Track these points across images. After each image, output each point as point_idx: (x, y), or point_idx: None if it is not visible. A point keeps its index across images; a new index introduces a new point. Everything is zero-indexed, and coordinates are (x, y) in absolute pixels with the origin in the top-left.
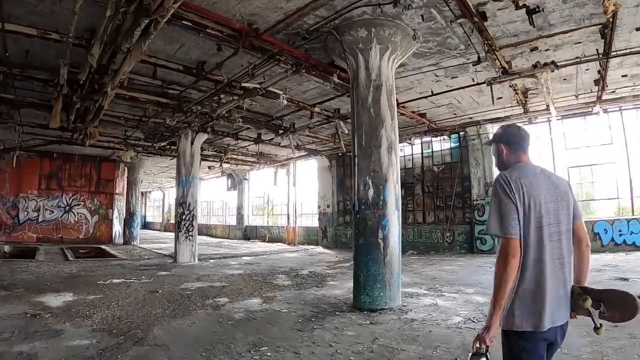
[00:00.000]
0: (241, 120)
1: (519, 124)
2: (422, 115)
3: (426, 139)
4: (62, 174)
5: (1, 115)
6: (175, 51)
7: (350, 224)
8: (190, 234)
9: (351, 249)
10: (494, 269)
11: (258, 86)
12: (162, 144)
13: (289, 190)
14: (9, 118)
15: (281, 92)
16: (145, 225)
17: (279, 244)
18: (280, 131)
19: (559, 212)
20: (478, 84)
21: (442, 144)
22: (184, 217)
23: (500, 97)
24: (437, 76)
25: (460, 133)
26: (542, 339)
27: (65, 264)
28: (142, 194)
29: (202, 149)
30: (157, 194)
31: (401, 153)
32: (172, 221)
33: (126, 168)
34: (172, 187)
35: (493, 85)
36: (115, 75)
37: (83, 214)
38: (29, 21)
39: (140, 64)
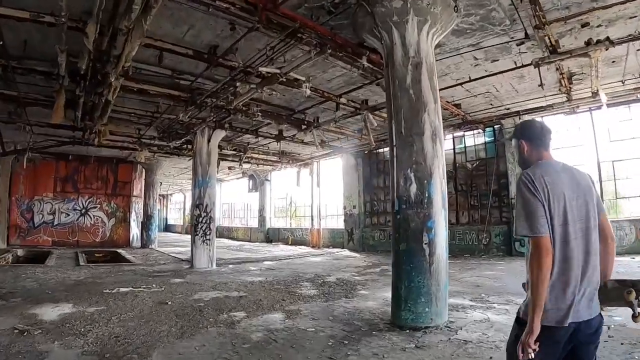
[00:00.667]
0: (260, 114)
1: (539, 119)
2: (457, 105)
3: (458, 133)
4: (77, 176)
5: (9, 115)
6: (184, 34)
7: (378, 225)
8: (208, 237)
9: (379, 252)
10: (528, 270)
11: (278, 71)
12: (178, 143)
13: (313, 190)
14: (18, 118)
15: (304, 79)
16: (167, 228)
17: (302, 247)
18: (303, 126)
19: (583, 208)
20: (523, 65)
21: (475, 139)
22: (200, 219)
23: (542, 84)
24: (477, 59)
25: (496, 126)
26: (561, 335)
27: (74, 270)
28: (163, 196)
29: (220, 147)
30: (178, 196)
31: None
32: None
33: (144, 170)
34: None
35: (539, 68)
36: (117, 62)
37: (99, 217)
38: (21, 5)
39: (147, 51)
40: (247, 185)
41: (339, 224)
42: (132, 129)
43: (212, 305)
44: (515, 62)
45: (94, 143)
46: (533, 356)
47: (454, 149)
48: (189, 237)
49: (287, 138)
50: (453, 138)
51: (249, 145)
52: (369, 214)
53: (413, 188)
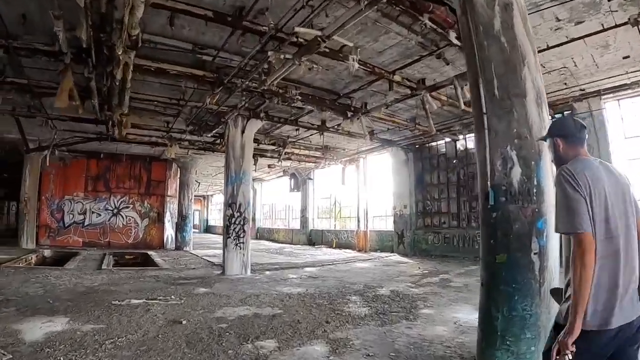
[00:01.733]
0: (300, 98)
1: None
2: None
3: None
4: (109, 175)
5: (29, 109)
6: None
7: (431, 227)
8: (241, 240)
9: (433, 257)
10: (572, 268)
11: (318, 33)
12: (209, 136)
13: (359, 189)
14: (37, 111)
15: (351, 45)
16: (208, 229)
17: (347, 250)
18: (349, 113)
19: (622, 205)
20: (616, 25)
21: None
22: (233, 220)
23: (627, 57)
24: (559, 20)
25: (566, 112)
26: (606, 338)
27: (93, 274)
28: (204, 197)
29: (257, 141)
30: (219, 197)
31: None
32: None
33: (179, 168)
34: None
35: (638, 26)
36: (122, 28)
37: (132, 217)
38: None
39: (159, 19)
40: (288, 185)
41: (388, 225)
42: (159, 122)
43: (236, 328)
44: (602, 25)
45: (119, 138)
46: (570, 358)
47: None
48: None
49: (331, 129)
50: None
51: (289, 139)
52: (421, 215)
53: (516, 172)
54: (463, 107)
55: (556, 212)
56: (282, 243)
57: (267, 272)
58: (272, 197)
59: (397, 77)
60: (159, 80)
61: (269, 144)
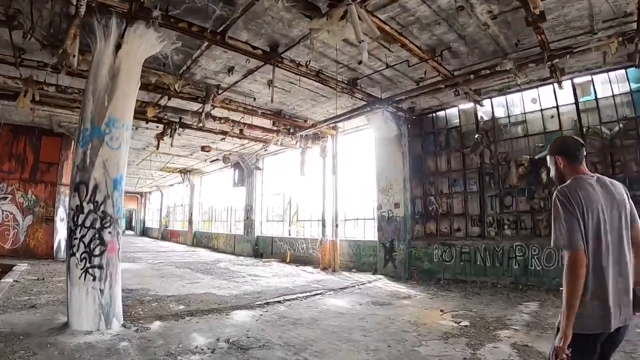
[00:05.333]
0: None
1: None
2: None
3: (581, 78)
4: None
5: None
6: None
7: (438, 236)
8: (96, 262)
9: (445, 284)
10: (564, 280)
11: None
12: (80, 68)
13: (325, 180)
14: None
15: None
16: (145, 232)
17: (307, 268)
18: (324, 2)
19: (616, 220)
20: None
21: (613, 87)
22: (80, 218)
23: None
24: None
25: None
26: (597, 342)
27: None
28: (141, 194)
29: (162, 88)
30: (156, 195)
31: (535, 105)
32: (171, 227)
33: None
34: (170, 185)
35: None
36: None
37: (10, 213)
38: None
39: None
40: (231, 178)
41: (367, 234)
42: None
43: None
44: None
45: None
46: None
47: (576, 103)
48: (164, 244)
49: (287, 63)
50: (573, 85)
51: (219, 89)
52: (422, 218)
53: None
54: None
55: (553, 228)
56: (221, 252)
57: (156, 325)
58: (213, 193)
59: None
60: None
61: (186, 95)
